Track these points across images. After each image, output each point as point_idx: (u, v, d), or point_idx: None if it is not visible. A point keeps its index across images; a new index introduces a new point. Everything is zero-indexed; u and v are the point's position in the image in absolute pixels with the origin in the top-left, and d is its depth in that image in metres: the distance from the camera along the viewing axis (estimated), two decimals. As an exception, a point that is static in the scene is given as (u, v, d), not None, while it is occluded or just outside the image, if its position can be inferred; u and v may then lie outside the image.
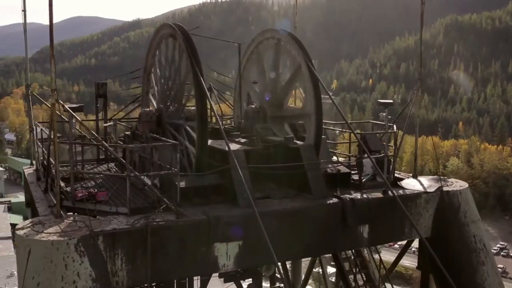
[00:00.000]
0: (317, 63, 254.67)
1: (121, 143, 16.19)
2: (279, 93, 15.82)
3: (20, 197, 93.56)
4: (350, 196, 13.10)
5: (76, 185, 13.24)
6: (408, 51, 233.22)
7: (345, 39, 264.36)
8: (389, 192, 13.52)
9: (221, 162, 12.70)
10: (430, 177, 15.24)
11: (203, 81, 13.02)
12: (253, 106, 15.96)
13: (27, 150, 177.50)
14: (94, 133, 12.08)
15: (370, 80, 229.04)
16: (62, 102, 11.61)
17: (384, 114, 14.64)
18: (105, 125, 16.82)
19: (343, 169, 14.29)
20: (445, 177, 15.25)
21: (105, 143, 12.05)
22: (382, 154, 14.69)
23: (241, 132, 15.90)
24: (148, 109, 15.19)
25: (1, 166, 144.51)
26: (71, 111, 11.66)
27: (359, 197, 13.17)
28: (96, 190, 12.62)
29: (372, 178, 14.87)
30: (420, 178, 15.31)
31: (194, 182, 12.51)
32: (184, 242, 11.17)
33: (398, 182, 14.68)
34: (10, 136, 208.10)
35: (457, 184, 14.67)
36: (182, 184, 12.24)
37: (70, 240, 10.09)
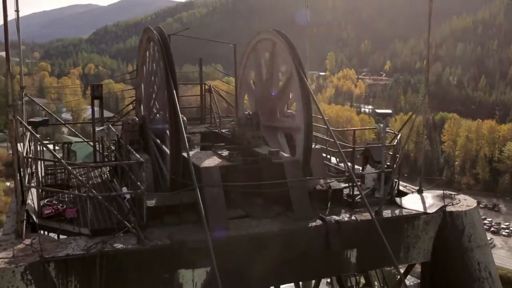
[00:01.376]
0: (371, 43, 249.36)
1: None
2: (273, 100, 14.73)
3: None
4: (336, 218, 11.98)
5: (49, 199, 12.75)
6: (466, 31, 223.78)
7: (400, 19, 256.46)
8: (383, 213, 12.40)
9: (196, 177, 11.81)
10: (437, 192, 13.86)
11: (175, 90, 12.08)
12: (246, 112, 14.94)
13: (82, 129, 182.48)
14: (53, 152, 11.34)
15: (425, 61, 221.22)
16: (20, 119, 10.93)
17: (381, 125, 13.29)
18: (97, 129, 16.22)
19: (336, 185, 13.10)
20: (453, 194, 13.83)
21: (65, 163, 11.32)
22: (386, 168, 13.49)
23: (235, 139, 14.99)
24: (131, 117, 14.45)
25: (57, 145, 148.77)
26: (29, 127, 11.04)
27: (346, 219, 12.04)
28: (65, 207, 12.04)
29: (371, 193, 13.71)
30: (425, 193, 13.96)
31: (165, 200, 11.70)
32: (145, 269, 10.41)
33: (397, 199, 13.39)
34: (66, 115, 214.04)
35: (464, 203, 13.24)
36: (152, 202, 11.48)
37: (16, 267, 9.51)
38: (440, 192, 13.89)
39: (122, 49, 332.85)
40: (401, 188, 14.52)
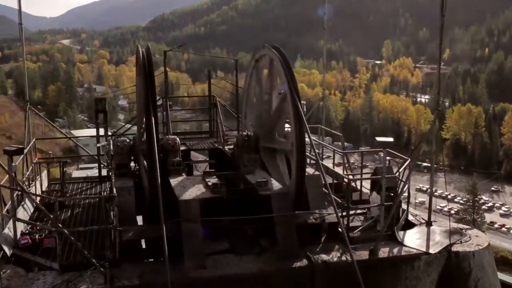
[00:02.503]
0: (429, 31, 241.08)
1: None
2: (271, 120, 13.82)
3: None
4: (325, 258, 11.05)
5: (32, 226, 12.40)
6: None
7: (460, 5, 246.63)
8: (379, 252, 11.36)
9: (175, 209, 11.16)
10: (446, 227, 12.61)
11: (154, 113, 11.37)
12: (244, 133, 14.10)
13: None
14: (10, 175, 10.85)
15: (486, 50, 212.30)
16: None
17: (382, 154, 12.17)
18: (98, 145, 15.81)
19: (331, 217, 12.10)
20: (464, 229, 12.58)
21: (26, 190, 10.87)
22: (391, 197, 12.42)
23: (234, 160, 14.23)
24: (122, 139, 13.87)
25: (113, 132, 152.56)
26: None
27: (335, 259, 11.08)
28: (42, 236, 11.65)
29: (373, 225, 12.65)
30: (434, 227, 12.77)
31: (141, 233, 11.11)
32: (110, 312, 9.88)
33: (400, 233, 12.27)
34: (123, 102, 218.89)
35: (474, 241, 11.98)
36: (129, 235, 10.92)
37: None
38: (451, 225, 12.68)
39: (178, 36, 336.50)
40: (410, 217, 13.38)
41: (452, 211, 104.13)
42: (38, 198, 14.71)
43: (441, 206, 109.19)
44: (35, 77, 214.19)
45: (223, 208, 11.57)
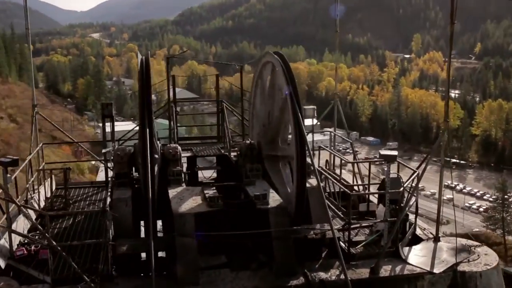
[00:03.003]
0: (460, 24, 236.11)
1: None
2: (273, 128, 13.45)
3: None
4: (323, 276, 10.67)
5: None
6: None
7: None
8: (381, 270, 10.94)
9: (171, 223, 10.96)
10: (455, 243, 12.07)
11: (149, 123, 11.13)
12: (247, 142, 13.76)
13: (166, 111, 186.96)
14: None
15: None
16: None
17: (385, 169, 11.69)
18: (103, 151, 15.69)
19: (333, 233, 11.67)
20: (473, 246, 12.02)
21: (17, 203, 10.71)
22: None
23: (238, 168, 13.92)
24: (122, 146, 13.66)
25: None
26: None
27: (334, 277, 10.69)
28: (38, 247, 11.54)
29: (377, 239, 12.21)
30: (442, 243, 12.25)
31: (134, 247, 10.91)
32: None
33: (404, 250, 11.80)
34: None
35: (482, 260, 11.41)
36: (123, 248, 10.74)
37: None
38: (460, 241, 12.15)
39: (206, 30, 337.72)
40: (418, 231, 12.89)
41: (481, 209, 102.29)
42: (40, 207, 14.73)
43: (469, 204, 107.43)
44: (65, 71, 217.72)
45: (220, 221, 11.27)
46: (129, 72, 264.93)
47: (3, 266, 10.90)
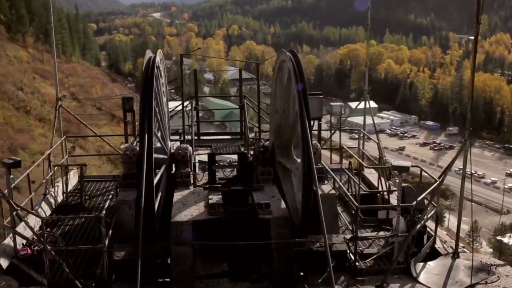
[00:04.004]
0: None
1: None
2: (287, 130, 12.85)
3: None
4: (323, 293, 10.14)
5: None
6: None
7: None
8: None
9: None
10: (477, 259, 11.21)
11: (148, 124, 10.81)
12: (261, 143, 13.26)
13: (221, 90, 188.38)
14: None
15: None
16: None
17: (397, 180, 10.91)
18: (122, 146, 15.57)
19: (340, 245, 11.06)
20: (495, 265, 11.11)
21: (13, 204, 10.63)
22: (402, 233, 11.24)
23: (253, 171, 13.47)
24: (132, 146, 13.41)
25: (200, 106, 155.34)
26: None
27: (335, 295, 10.11)
28: (42, 247, 11.54)
29: (390, 253, 11.49)
30: (460, 260, 11.40)
31: (131, 253, 10.71)
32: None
33: (416, 266, 11.05)
34: (209, 75, 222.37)
35: (501, 283, 10.48)
36: (120, 255, 10.57)
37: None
38: (482, 258, 11.29)
39: (265, 10, 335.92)
40: (438, 245, 12.08)
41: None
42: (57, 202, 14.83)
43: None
44: (126, 50, 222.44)
45: (220, 229, 10.91)
46: (188, 52, 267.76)
47: (5, 265, 10.99)
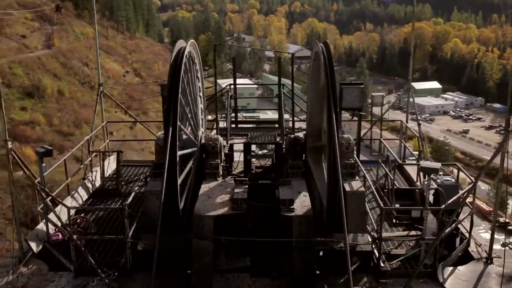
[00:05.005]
0: None
1: None
2: (318, 119, 12.55)
3: (269, 113, 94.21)
4: (343, 294, 9.95)
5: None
6: None
7: None
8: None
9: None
10: (508, 270, 10.66)
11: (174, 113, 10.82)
12: (293, 136, 13.04)
13: (282, 68, 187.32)
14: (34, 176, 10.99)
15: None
16: (15, 154, 10.75)
17: (426, 182, 10.45)
18: (158, 134, 15.73)
19: (365, 246, 10.79)
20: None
21: (42, 194, 10.94)
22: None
23: (284, 163, 13.32)
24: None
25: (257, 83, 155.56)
26: (22, 163, 10.87)
27: (355, 297, 9.92)
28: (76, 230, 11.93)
29: (418, 254, 11.11)
30: (493, 266, 10.89)
31: (157, 244, 10.85)
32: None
33: (444, 271, 10.64)
34: (269, 53, 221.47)
35: (535, 292, 10.00)
36: (143, 245, 10.78)
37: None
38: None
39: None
40: (472, 248, 11.59)
41: None
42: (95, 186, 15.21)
43: None
44: (189, 26, 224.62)
45: (242, 225, 10.86)
46: (250, 29, 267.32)
47: (37, 250, 11.42)
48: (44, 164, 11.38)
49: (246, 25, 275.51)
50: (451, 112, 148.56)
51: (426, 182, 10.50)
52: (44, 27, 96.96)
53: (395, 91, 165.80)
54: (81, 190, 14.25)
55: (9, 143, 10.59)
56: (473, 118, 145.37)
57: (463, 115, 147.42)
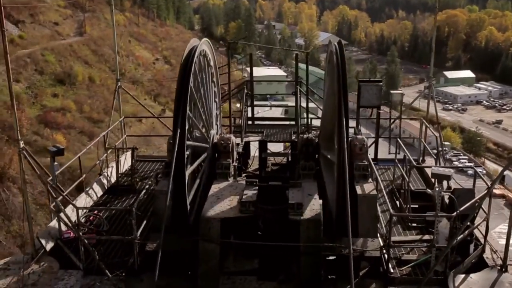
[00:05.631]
0: None
1: None
2: (330, 123, 12.35)
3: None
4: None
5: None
6: None
7: None
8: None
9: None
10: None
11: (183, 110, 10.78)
12: (306, 136, 12.86)
13: (311, 56, 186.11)
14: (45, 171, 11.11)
15: None
16: (28, 153, 10.85)
17: (437, 189, 10.16)
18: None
19: (374, 252, 10.59)
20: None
21: (53, 193, 11.03)
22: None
23: (297, 163, 13.20)
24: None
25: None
26: (33, 162, 10.98)
27: (362, 304, 9.78)
28: (85, 230, 12.05)
29: (429, 261, 10.85)
30: (507, 274, 10.58)
31: (164, 244, 10.88)
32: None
33: (456, 279, 10.37)
34: (299, 40, 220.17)
35: (548, 305, 9.68)
36: (151, 246, 10.81)
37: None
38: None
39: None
40: (487, 254, 11.28)
41: None
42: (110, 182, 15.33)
43: None
44: (219, 14, 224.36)
45: (250, 227, 10.81)
46: (280, 16, 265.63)
47: (49, 247, 11.58)
48: (56, 163, 11.49)
49: (276, 12, 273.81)
50: (484, 102, 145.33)
51: (437, 188, 10.21)
52: (76, 14, 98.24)
53: (426, 80, 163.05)
54: (96, 187, 14.38)
55: (21, 142, 10.65)
56: (507, 108, 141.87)
57: (496, 105, 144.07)
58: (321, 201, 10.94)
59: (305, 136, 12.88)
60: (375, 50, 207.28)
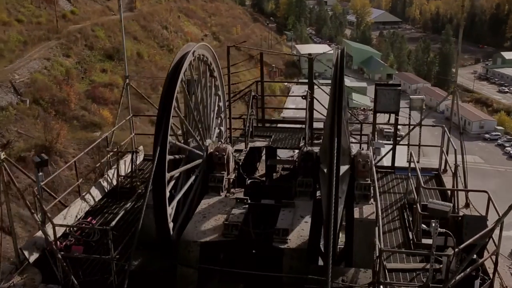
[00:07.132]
0: None
1: None
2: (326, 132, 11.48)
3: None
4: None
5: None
6: None
7: None
8: None
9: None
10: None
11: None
12: (306, 150, 12.03)
13: (363, 34, 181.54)
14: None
15: None
16: (10, 160, 10.55)
17: (433, 225, 9.15)
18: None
19: (363, 284, 9.76)
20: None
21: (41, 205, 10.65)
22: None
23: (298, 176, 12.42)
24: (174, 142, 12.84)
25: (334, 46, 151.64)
26: (21, 170, 10.67)
27: None
28: (73, 241, 11.74)
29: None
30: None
31: (144, 264, 10.44)
32: None
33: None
34: (351, 17, 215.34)
35: None
36: (131, 264, 10.38)
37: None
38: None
39: None
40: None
41: None
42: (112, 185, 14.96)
43: None
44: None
45: (233, 251, 10.20)
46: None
47: (33, 258, 11.32)
48: (40, 174, 11.15)
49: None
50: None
51: (433, 225, 9.22)
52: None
53: (482, 61, 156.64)
54: (94, 190, 14.04)
55: (2, 153, 10.32)
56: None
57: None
58: (309, 226, 10.19)
59: (305, 149, 12.06)
60: (429, 28, 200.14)
